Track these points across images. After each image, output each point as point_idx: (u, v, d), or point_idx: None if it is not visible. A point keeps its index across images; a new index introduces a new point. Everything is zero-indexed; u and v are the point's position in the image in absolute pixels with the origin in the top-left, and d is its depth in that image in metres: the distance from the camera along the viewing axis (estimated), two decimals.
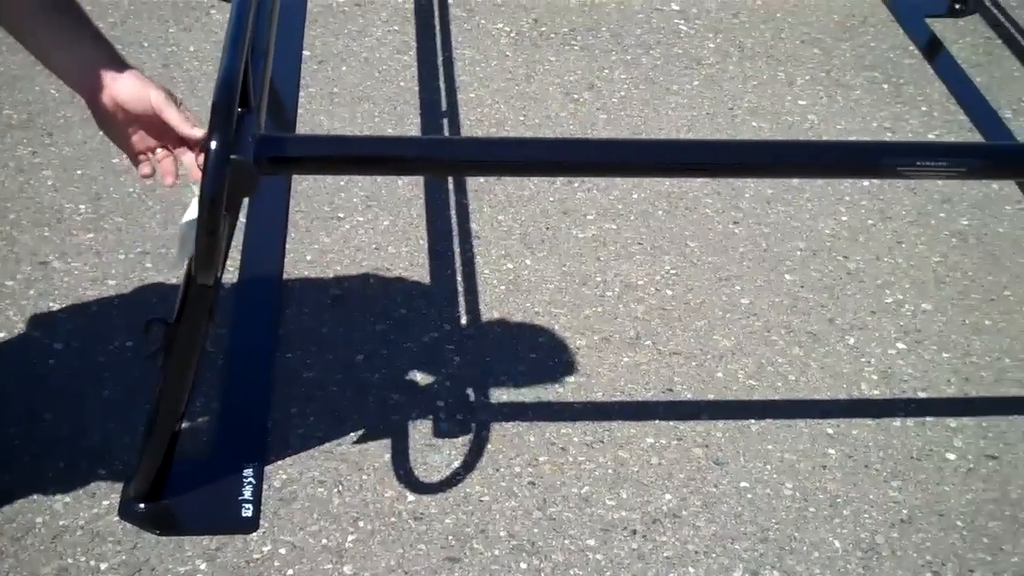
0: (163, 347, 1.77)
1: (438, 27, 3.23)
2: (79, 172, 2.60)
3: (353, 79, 2.98)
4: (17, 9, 1.46)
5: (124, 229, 2.46)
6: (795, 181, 2.77)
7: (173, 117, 1.50)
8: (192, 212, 1.57)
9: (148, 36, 3.07)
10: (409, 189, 2.64)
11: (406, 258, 2.46)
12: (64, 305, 2.27)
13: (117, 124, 1.53)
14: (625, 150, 1.72)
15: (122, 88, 1.48)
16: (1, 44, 2.95)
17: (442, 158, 1.66)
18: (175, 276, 2.27)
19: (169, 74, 2.92)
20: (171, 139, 1.55)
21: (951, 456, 2.14)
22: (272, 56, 1.80)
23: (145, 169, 1.58)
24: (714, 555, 1.93)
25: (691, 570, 1.90)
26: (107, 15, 3.13)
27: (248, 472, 1.98)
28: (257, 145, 1.52)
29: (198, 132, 1.50)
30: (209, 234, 1.45)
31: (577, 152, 1.67)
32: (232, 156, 1.46)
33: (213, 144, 1.44)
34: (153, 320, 1.76)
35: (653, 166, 1.68)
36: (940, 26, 3.47)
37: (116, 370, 2.16)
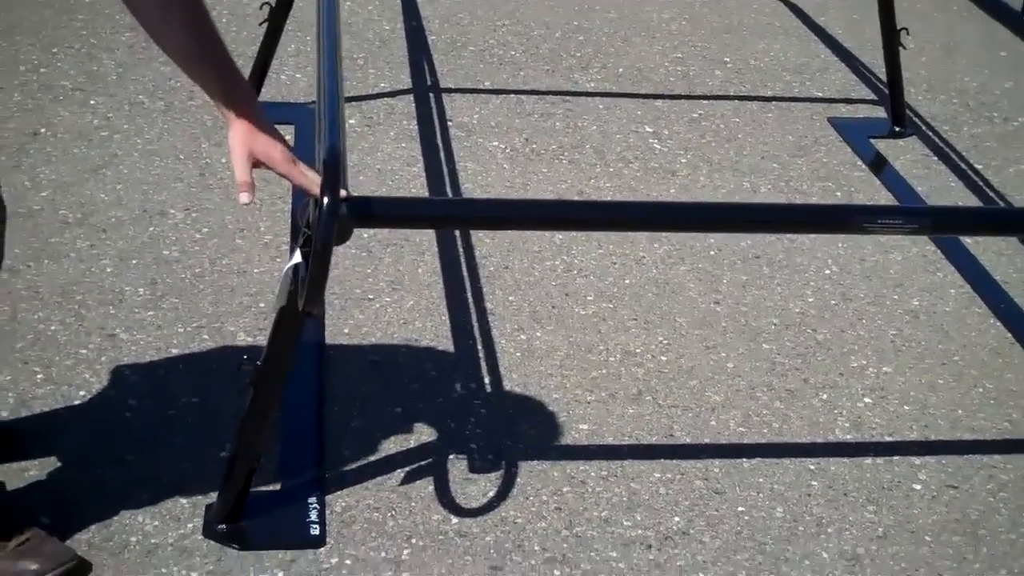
0: (252, 383, 2.07)
1: (440, 144, 3.61)
2: (134, 262, 2.91)
3: (369, 187, 3.33)
4: (184, 57, 1.77)
5: (180, 308, 2.77)
6: (765, 268, 3.14)
7: (296, 178, 1.82)
8: (295, 259, 1.89)
9: (183, 150, 3.42)
10: (428, 276, 2.98)
11: (431, 331, 2.79)
12: (134, 370, 2.56)
13: (243, 157, 1.84)
14: (664, 211, 2.09)
15: (257, 143, 1.80)
16: (51, 155, 3.29)
17: (497, 216, 2.01)
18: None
19: (205, 182, 3.27)
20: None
21: (917, 486, 2.47)
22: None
23: (245, 199, 1.84)
24: (720, 564, 2.23)
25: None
26: (143, 132, 3.49)
27: (312, 500, 2.26)
28: (351, 204, 1.85)
29: (315, 188, 1.80)
30: (322, 270, 1.76)
31: (628, 212, 2.04)
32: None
33: (326, 201, 1.75)
34: (245, 359, 2.07)
35: (691, 223, 2.05)
36: (883, 145, 3.91)
37: (185, 422, 2.44)
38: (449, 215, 2.02)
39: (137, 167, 3.31)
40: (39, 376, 2.51)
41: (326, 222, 1.75)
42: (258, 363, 2.06)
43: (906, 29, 3.76)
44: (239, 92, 1.81)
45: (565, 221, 2.07)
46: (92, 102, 3.61)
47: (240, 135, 1.82)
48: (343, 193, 1.82)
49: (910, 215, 2.11)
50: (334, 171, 1.78)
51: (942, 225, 2.16)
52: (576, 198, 3.38)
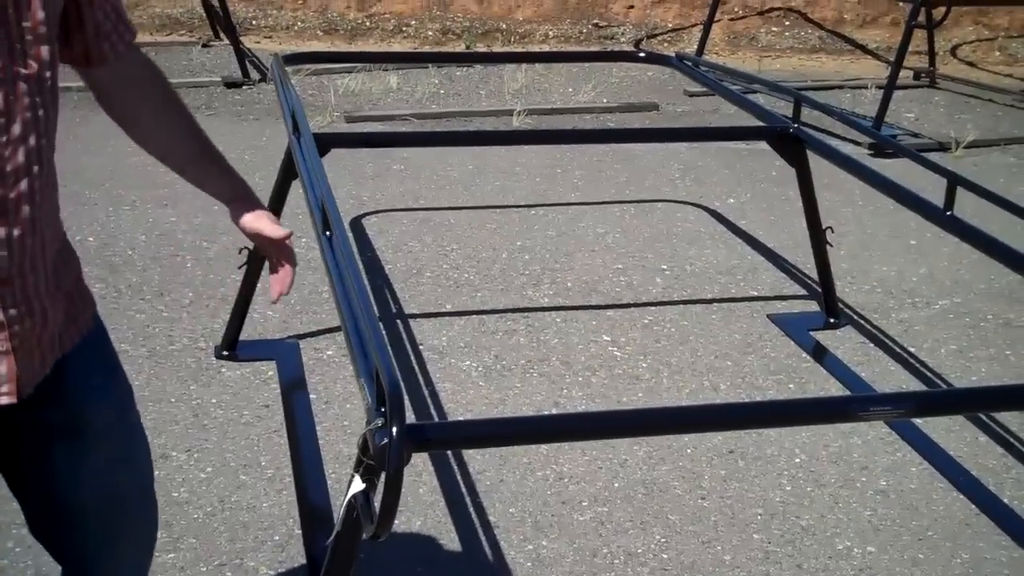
0: None
1: (416, 368, 3.80)
2: None
3: (358, 414, 3.49)
4: (180, 159, 2.01)
5: (198, 548, 2.87)
6: (741, 461, 3.35)
7: (267, 229, 2.08)
8: (356, 488, 2.03)
9: (173, 393, 3.55)
10: (429, 495, 3.12)
11: (443, 547, 2.92)
12: None
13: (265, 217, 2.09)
14: (668, 416, 2.28)
15: (261, 219, 2.08)
16: None
17: (536, 431, 2.18)
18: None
19: (200, 422, 3.40)
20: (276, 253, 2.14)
21: None
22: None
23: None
24: None
25: None
26: (131, 379, 3.60)
27: None
28: (408, 430, 2.00)
29: (283, 233, 2.09)
30: (394, 496, 1.89)
31: (659, 416, 2.22)
32: None
33: (394, 431, 1.90)
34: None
35: (687, 425, 2.24)
36: (822, 336, 4.19)
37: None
38: (499, 434, 2.17)
39: None
40: None
41: (397, 450, 1.90)
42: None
43: (831, 227, 4.10)
44: (237, 180, 2.07)
45: (615, 430, 2.25)
46: None
47: (249, 213, 2.07)
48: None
49: (897, 401, 2.33)
50: (398, 401, 1.94)
51: (926, 408, 2.38)
52: (552, 410, 3.58)
